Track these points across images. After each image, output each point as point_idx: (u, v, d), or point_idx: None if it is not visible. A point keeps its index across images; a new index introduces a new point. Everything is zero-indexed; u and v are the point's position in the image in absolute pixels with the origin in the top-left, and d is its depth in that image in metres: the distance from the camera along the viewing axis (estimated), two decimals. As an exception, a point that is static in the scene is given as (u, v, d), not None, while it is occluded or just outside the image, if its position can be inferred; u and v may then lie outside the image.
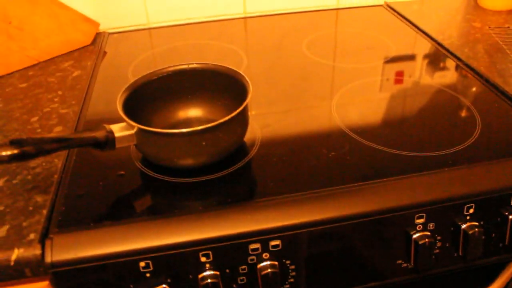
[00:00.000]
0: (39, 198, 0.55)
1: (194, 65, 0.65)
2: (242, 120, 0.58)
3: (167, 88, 0.65)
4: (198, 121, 0.66)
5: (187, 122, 0.66)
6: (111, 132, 0.54)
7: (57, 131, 0.67)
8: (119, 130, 0.55)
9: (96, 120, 0.70)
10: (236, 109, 0.56)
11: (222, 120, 0.53)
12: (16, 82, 0.81)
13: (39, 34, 0.87)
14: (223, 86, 0.64)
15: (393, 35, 0.96)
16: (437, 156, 0.59)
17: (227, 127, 0.55)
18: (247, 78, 0.60)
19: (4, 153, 0.48)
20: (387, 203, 0.54)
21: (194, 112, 0.67)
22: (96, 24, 0.97)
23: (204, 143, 0.54)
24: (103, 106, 0.74)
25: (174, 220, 0.51)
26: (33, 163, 0.61)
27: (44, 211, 0.53)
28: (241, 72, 0.62)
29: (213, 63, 0.65)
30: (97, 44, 0.95)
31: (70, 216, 0.52)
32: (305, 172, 0.58)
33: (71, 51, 0.92)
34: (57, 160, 0.61)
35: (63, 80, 0.81)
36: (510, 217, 0.57)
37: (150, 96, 0.63)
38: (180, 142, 0.54)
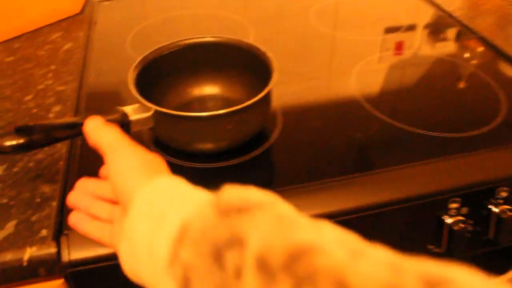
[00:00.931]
0: (46, 189, 0.50)
1: (209, 39, 0.60)
2: (268, 101, 0.54)
3: (180, 64, 0.59)
4: (214, 99, 0.61)
5: (202, 100, 0.61)
6: (126, 115, 0.49)
7: (56, 111, 0.61)
8: (134, 112, 0.50)
9: (98, 98, 0.64)
10: (255, 87, 0.51)
11: (252, 101, 0.48)
12: (1, 56, 0.74)
13: (23, 2, 0.79)
14: (240, 61, 0.59)
15: (402, 5, 0.92)
16: (469, 136, 0.57)
17: (255, 108, 0.50)
18: (269, 54, 0.56)
19: (8, 143, 0.42)
20: (421, 188, 0.51)
21: (209, 89, 0.62)
22: (84, -9, 0.89)
23: (229, 127, 0.49)
24: (103, 82, 0.68)
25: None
26: (33, 148, 0.55)
27: (54, 203, 0.48)
28: (261, 48, 0.57)
29: (230, 37, 0.60)
30: (86, 13, 0.87)
31: (85, 209, 0.47)
32: (331, 156, 0.54)
33: (58, 21, 0.84)
34: (61, 145, 0.56)
35: (54, 53, 0.74)
36: (540, 198, 0.56)
37: (162, 72, 0.58)
38: (204, 125, 0.50)
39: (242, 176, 0.52)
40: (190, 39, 0.60)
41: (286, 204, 0.29)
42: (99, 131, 0.39)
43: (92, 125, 0.40)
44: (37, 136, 0.43)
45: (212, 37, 0.60)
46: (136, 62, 0.55)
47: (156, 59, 0.57)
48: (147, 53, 0.57)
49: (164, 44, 0.58)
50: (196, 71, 0.61)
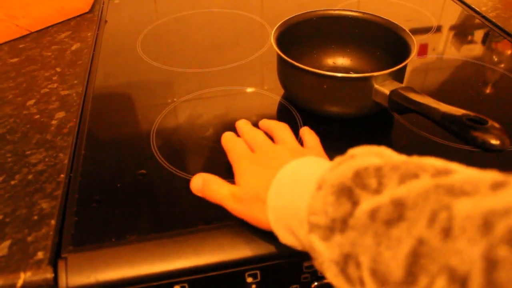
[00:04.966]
0: (44, 204, 0.46)
1: (349, 13, 0.62)
2: (402, 76, 0.55)
3: (319, 32, 0.63)
4: (346, 71, 0.63)
5: (334, 70, 0.62)
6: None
7: (59, 118, 0.57)
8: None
9: (104, 102, 0.60)
10: (389, 65, 0.51)
11: (387, 71, 0.49)
12: (5, 56, 0.70)
13: (30, 0, 0.75)
14: (378, 39, 0.61)
15: (427, 5, 0.86)
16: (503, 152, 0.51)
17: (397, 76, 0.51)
18: (409, 32, 0.56)
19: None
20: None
21: (341, 60, 0.64)
22: (94, -12, 0.85)
23: (358, 93, 0.51)
24: (110, 86, 0.64)
25: (213, 234, 0.42)
26: (33, 158, 0.51)
27: (53, 222, 0.44)
28: (403, 27, 0.58)
29: (372, 14, 0.61)
30: (96, 11, 0.83)
31: (86, 229, 0.43)
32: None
33: (66, 20, 0.80)
34: (63, 155, 0.51)
35: (60, 55, 0.70)
36: None
37: (298, 39, 0.61)
38: (335, 87, 0.51)
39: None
40: (329, 10, 0.63)
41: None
42: None
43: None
44: None
45: (351, 11, 0.62)
46: (278, 24, 0.58)
47: (293, 25, 0.60)
48: (288, 17, 0.60)
49: (302, 12, 0.61)
50: (331, 42, 0.64)
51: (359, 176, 0.31)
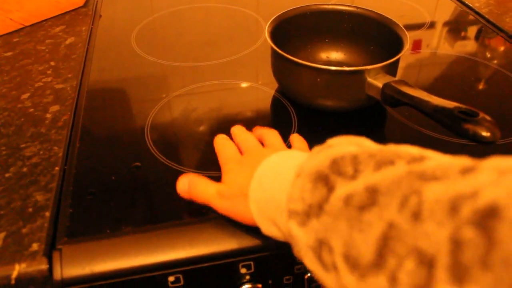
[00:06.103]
0: (39, 197, 0.46)
1: (343, 7, 0.62)
2: (394, 71, 0.55)
3: (313, 26, 0.63)
4: (340, 65, 0.63)
5: (327, 65, 0.61)
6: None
7: (54, 111, 0.57)
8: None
9: (99, 96, 0.60)
10: (382, 59, 0.52)
11: (380, 64, 0.50)
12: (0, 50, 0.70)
13: (24, -6, 0.75)
14: (372, 33, 0.61)
15: (421, 1, 0.86)
16: (495, 146, 0.52)
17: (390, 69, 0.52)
18: (402, 27, 0.57)
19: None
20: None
21: (335, 55, 0.65)
22: (88, -17, 0.84)
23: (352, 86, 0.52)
24: (105, 80, 0.64)
25: (207, 225, 0.42)
26: (27, 151, 0.51)
27: (47, 214, 0.44)
28: (397, 22, 0.58)
29: (366, 8, 0.61)
30: (90, 6, 0.83)
31: (81, 221, 0.43)
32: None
33: (61, 14, 0.80)
34: (57, 148, 0.51)
35: (55, 49, 0.70)
36: None
37: (291, 33, 0.61)
38: (329, 80, 0.52)
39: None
40: (324, 4, 0.63)
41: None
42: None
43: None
44: None
45: (346, 5, 0.62)
46: (272, 19, 0.59)
47: (288, 20, 0.60)
48: (282, 12, 0.60)
49: (296, 7, 0.62)
50: (325, 36, 0.64)
51: (336, 164, 0.31)
